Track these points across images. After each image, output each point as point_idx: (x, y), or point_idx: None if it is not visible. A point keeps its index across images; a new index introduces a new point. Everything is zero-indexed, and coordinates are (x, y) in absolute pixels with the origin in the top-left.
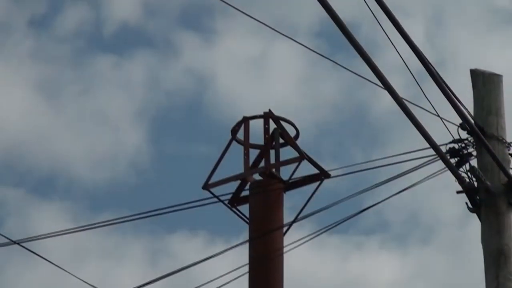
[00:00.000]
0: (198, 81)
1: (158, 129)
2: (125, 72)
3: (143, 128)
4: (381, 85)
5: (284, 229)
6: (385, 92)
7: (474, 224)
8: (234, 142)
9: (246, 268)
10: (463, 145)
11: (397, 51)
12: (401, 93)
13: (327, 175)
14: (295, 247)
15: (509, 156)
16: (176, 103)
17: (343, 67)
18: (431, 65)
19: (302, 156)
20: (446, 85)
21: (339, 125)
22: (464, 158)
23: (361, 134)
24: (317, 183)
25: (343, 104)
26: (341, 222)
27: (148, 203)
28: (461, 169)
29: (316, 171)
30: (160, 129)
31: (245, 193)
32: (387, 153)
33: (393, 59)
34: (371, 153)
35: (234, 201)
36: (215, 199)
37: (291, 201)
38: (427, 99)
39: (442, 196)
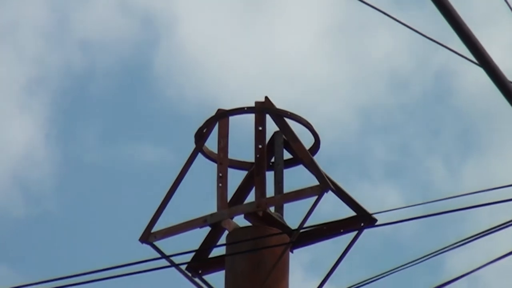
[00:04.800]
0: (142, 30)
1: (67, 116)
2: (9, 11)
3: (39, 114)
4: (474, 60)
5: None
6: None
7: None
8: (200, 156)
9: None
10: None
11: None
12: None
13: (371, 221)
14: None
15: None
16: (102, 68)
17: (403, 24)
18: None
19: (325, 185)
20: None
21: (402, 115)
22: None
23: (442, 132)
24: (353, 233)
25: (407, 78)
26: None
27: (44, 256)
28: None
29: (350, 211)
30: (72, 117)
31: (218, 250)
32: (487, 166)
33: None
34: (459, 166)
35: (198, 265)
36: (163, 261)
37: (308, 253)
38: None
39: None
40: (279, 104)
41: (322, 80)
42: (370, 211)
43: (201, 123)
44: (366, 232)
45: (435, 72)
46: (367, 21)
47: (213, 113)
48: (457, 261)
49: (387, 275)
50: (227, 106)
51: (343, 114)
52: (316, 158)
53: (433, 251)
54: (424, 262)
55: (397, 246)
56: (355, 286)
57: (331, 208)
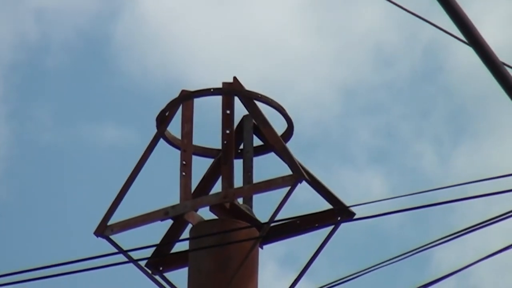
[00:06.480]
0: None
1: (19, 93)
2: None
3: None
4: (463, 38)
5: None
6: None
7: None
8: (162, 142)
9: None
10: None
11: None
12: (496, 44)
13: (348, 215)
14: None
15: None
16: (58, 41)
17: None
18: None
19: (299, 175)
20: None
21: (388, 95)
22: None
23: (431, 114)
24: (328, 228)
25: (394, 54)
26: None
27: None
28: None
29: (326, 204)
30: (25, 94)
31: (181, 245)
32: (480, 152)
33: None
34: (450, 151)
35: (159, 261)
36: (120, 256)
37: (282, 247)
38: None
39: None
40: (252, 83)
41: (301, 56)
42: (350, 201)
43: (165, 103)
44: (347, 223)
45: (424, 48)
46: None
47: (177, 93)
48: (446, 257)
49: (369, 271)
50: (196, 83)
51: (324, 93)
52: (289, 145)
53: (420, 245)
54: (410, 257)
55: (381, 239)
56: (335, 284)
57: (307, 197)
